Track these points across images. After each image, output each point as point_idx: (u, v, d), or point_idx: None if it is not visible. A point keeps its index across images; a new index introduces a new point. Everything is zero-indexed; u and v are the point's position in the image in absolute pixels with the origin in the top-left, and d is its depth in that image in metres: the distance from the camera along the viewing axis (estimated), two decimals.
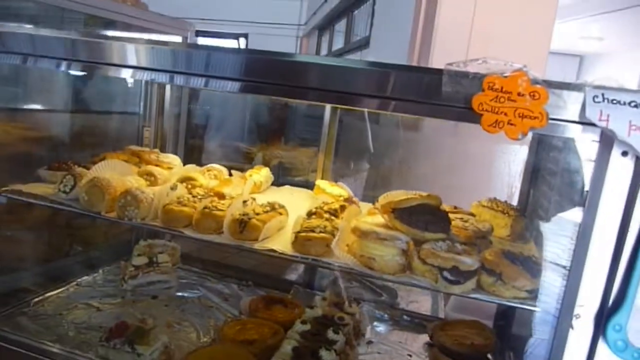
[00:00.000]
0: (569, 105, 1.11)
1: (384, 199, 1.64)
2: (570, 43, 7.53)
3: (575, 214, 1.24)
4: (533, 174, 1.97)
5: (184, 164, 2.25)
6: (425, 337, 2.05)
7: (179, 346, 1.84)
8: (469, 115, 1.15)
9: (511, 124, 1.12)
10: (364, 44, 5.48)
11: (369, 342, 2.02)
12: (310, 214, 1.73)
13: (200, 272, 2.53)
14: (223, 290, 2.38)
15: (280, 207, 1.80)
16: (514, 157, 2.18)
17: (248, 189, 2.02)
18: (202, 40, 8.64)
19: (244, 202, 1.75)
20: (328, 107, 2.30)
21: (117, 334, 1.72)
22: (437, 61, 2.81)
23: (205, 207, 1.69)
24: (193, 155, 3.09)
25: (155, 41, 1.76)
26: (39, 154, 2.21)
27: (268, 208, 1.76)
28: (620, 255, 1.12)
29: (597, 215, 1.12)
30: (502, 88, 1.12)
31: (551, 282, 1.33)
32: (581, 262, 1.15)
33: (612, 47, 7.64)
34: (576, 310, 1.16)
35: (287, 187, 2.39)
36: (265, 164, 2.55)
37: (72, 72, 2.33)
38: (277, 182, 2.38)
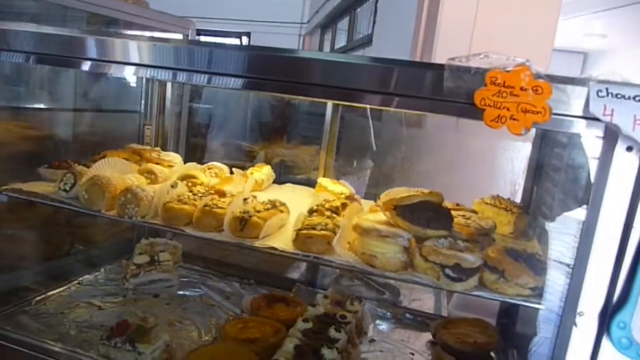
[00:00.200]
0: (573, 100, 1.10)
1: (385, 196, 1.63)
2: (574, 40, 7.50)
3: (578, 211, 1.22)
4: (536, 171, 1.95)
5: (185, 163, 2.24)
6: (428, 336, 2.05)
7: (181, 345, 1.84)
8: (471, 110, 1.14)
9: (514, 119, 1.11)
10: (367, 41, 5.47)
11: (371, 341, 2.01)
12: (311, 212, 1.72)
13: (201, 270, 2.52)
14: (224, 288, 2.37)
15: (281, 205, 1.79)
16: (517, 153, 2.17)
17: (249, 187, 2.00)
18: (204, 39, 8.63)
19: (245, 199, 1.74)
20: (330, 105, 2.29)
21: (119, 332, 1.71)
22: (439, 59, 2.78)
23: (205, 205, 1.68)
24: (194, 153, 3.08)
25: (158, 38, 1.75)
26: (40, 152, 2.21)
27: (269, 205, 1.75)
28: (624, 252, 1.10)
29: (601, 212, 1.11)
30: (504, 83, 1.11)
31: (554, 280, 1.32)
32: (585, 259, 1.14)
33: (616, 43, 7.61)
34: (580, 308, 1.15)
35: (288, 185, 2.37)
36: (267, 162, 2.55)
37: (74, 70, 2.33)
38: (279, 180, 2.37)
